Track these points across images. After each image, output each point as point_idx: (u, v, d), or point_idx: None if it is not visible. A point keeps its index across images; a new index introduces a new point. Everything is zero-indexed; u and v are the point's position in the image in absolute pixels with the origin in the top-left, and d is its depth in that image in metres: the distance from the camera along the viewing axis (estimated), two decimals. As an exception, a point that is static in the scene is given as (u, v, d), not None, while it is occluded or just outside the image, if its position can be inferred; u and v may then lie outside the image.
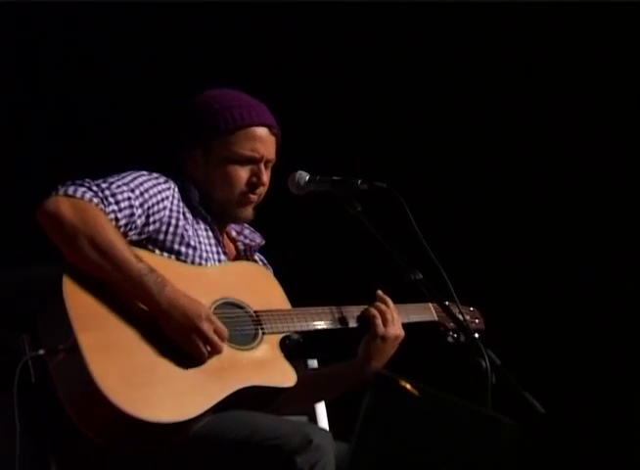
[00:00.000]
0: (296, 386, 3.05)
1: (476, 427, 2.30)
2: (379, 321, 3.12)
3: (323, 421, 3.48)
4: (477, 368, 2.90)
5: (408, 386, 2.21)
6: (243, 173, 3.15)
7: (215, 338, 2.86)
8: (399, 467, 2.19)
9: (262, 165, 3.17)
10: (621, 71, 4.76)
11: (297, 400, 3.14)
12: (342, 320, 3.14)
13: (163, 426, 2.73)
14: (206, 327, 2.85)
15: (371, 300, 3.19)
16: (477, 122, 4.89)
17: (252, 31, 4.81)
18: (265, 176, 3.17)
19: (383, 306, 3.15)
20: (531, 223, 4.87)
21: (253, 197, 3.17)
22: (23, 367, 2.81)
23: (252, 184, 3.16)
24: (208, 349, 2.86)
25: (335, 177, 3.20)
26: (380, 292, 3.18)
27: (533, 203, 4.87)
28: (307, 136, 3.36)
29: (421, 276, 3.01)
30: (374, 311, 3.14)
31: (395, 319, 3.13)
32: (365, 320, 3.14)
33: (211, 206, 3.16)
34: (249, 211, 3.18)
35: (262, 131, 3.18)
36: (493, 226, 4.83)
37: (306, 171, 3.24)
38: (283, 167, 3.29)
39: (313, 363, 3.46)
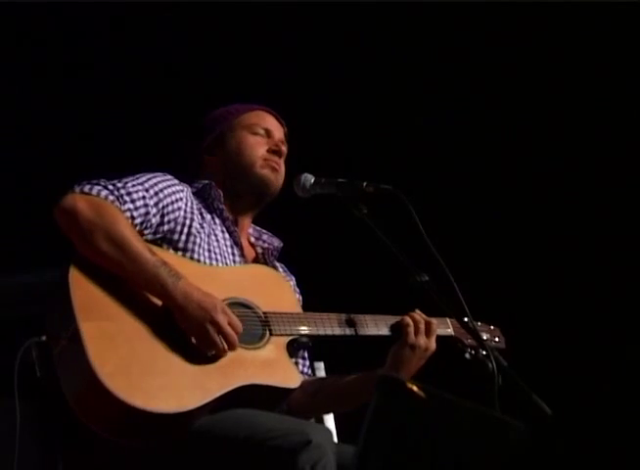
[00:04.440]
0: (316, 393, 3.09)
1: (483, 429, 2.30)
2: (411, 330, 3.10)
3: (330, 422, 3.47)
4: (483, 370, 2.90)
5: (415, 388, 2.21)
6: (261, 142, 3.28)
7: (230, 330, 2.87)
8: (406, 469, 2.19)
9: (278, 141, 3.29)
10: (622, 71, 4.75)
11: (315, 408, 3.17)
12: (352, 327, 3.13)
13: (160, 416, 2.72)
14: (222, 319, 2.86)
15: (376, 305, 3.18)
16: (485, 124, 4.88)
17: (258, 32, 4.82)
18: (284, 147, 3.28)
19: (417, 316, 3.14)
20: (532, 224, 4.87)
21: (275, 159, 3.26)
22: (27, 368, 2.83)
23: (273, 151, 3.28)
24: (222, 341, 2.86)
25: (340, 180, 3.20)
26: (417, 310, 3.17)
27: (534, 202, 4.88)
28: (313, 139, 3.36)
29: (427, 278, 3.01)
30: (407, 320, 3.13)
31: (428, 331, 3.12)
32: (398, 329, 3.13)
33: (237, 190, 3.23)
34: (270, 180, 3.25)
35: (271, 117, 3.35)
36: (498, 228, 4.82)
37: (312, 174, 3.25)
38: (288, 170, 3.32)
39: (320, 366, 3.45)
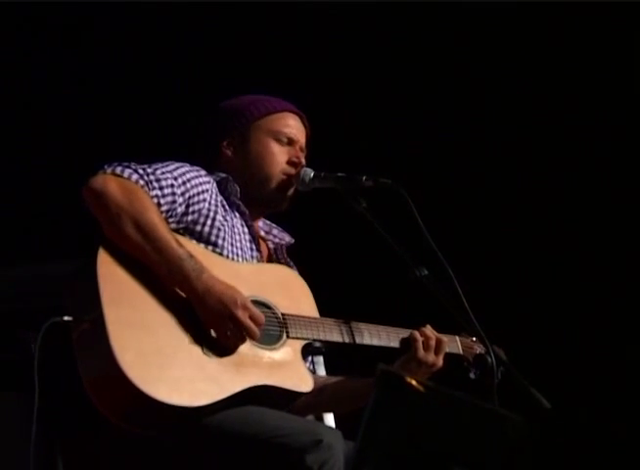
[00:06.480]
0: (319, 393, 3.10)
1: (482, 423, 2.30)
2: (419, 345, 3.09)
3: (329, 419, 3.47)
4: (483, 364, 2.90)
5: (414, 382, 2.21)
6: (282, 151, 3.24)
7: (251, 324, 2.86)
8: (405, 464, 2.20)
9: (299, 149, 3.24)
10: (620, 70, 4.75)
11: (316, 407, 3.18)
12: (364, 337, 3.12)
13: (173, 408, 2.73)
14: (241, 314, 2.85)
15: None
16: (489, 118, 4.88)
17: (262, 31, 4.82)
18: (303, 157, 3.23)
19: (428, 332, 3.12)
20: (533, 221, 4.86)
21: (292, 172, 3.21)
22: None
23: (293, 163, 3.22)
24: (244, 335, 2.87)
25: (340, 174, 3.20)
26: (428, 326, 3.15)
27: (534, 198, 4.87)
28: (313, 134, 3.36)
29: (426, 273, 3.01)
30: (417, 335, 3.11)
31: (437, 348, 3.10)
32: (407, 342, 3.12)
33: (251, 194, 3.19)
34: (285, 196, 3.22)
35: (295, 118, 3.29)
36: (498, 222, 4.82)
37: (311, 168, 3.25)
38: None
39: (319, 360, 3.45)
